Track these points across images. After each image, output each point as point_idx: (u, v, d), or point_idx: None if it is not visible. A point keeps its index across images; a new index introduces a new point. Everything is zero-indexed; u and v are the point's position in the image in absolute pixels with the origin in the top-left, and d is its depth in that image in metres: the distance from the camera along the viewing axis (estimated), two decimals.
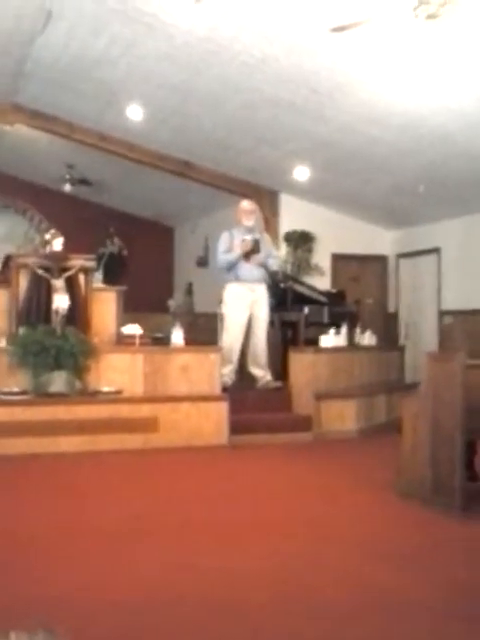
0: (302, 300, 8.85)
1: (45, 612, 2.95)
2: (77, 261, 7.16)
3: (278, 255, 8.73)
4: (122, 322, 7.47)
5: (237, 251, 7.69)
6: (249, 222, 7.87)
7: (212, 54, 6.81)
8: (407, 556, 3.80)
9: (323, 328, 8.28)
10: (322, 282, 10.30)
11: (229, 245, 7.76)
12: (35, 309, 6.90)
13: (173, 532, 4.13)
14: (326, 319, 8.74)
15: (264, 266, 7.87)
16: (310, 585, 3.33)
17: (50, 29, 6.96)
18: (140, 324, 7.49)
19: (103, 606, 3.02)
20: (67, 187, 12.25)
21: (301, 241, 10.61)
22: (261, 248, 7.79)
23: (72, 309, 6.91)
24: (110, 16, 6.53)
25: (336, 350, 8.03)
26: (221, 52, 6.75)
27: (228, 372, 7.59)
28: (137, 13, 6.36)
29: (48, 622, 2.86)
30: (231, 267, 7.73)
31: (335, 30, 5.22)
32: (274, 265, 8.06)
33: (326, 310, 8.85)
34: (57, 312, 6.80)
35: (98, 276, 7.78)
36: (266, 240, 8.14)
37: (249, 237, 7.75)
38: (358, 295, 10.28)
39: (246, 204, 8.03)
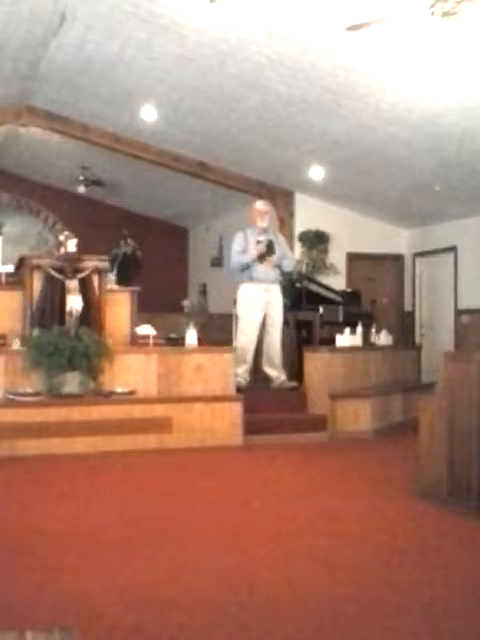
0: (317, 300, 8.83)
1: (60, 612, 2.94)
2: (91, 262, 7.16)
3: (292, 256, 8.69)
4: (136, 323, 7.46)
5: (251, 253, 7.66)
6: (263, 223, 7.84)
7: (226, 54, 6.80)
8: (423, 556, 3.76)
9: (338, 328, 8.25)
10: (337, 282, 10.26)
11: (243, 246, 7.74)
12: (49, 310, 6.90)
13: (187, 532, 4.11)
14: (341, 319, 8.71)
15: (279, 267, 7.85)
16: (325, 585, 3.30)
17: (64, 31, 6.97)
18: (154, 325, 7.48)
19: (117, 606, 3.00)
20: (81, 188, 12.26)
21: (316, 241, 10.58)
22: (276, 249, 7.77)
23: (86, 310, 6.91)
24: (124, 18, 6.53)
25: (351, 350, 7.99)
26: (235, 52, 6.73)
27: (243, 372, 7.58)
28: (150, 15, 6.35)
29: (64, 621, 2.86)
30: (245, 269, 7.71)
31: (351, 29, 5.18)
32: (288, 266, 8.04)
33: (341, 310, 8.82)
34: (71, 313, 6.80)
35: (112, 277, 7.78)
36: (280, 241, 8.11)
37: (263, 238, 7.73)
38: (374, 294, 10.23)
39: (260, 205, 8.01)
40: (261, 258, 7.67)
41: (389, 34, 5.72)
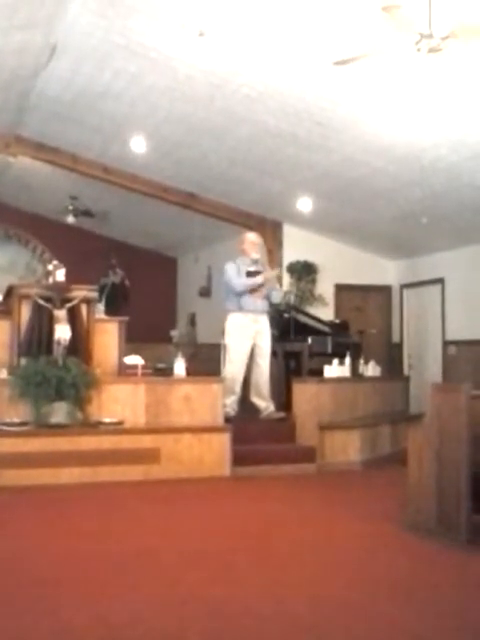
0: (305, 330, 8.83)
1: None
2: (79, 292, 7.15)
3: (280, 288, 8.73)
4: (124, 353, 7.43)
5: (260, 278, 7.68)
6: (256, 254, 7.89)
7: (215, 87, 6.87)
8: (412, 589, 3.73)
9: (327, 358, 8.24)
10: (325, 312, 10.29)
11: (236, 274, 7.75)
12: (37, 340, 6.87)
13: (175, 563, 4.06)
14: (330, 349, 8.71)
15: (267, 298, 7.87)
16: (311, 618, 3.27)
17: (54, 63, 7.05)
18: (142, 355, 7.46)
19: (101, 636, 2.96)
20: (70, 218, 12.29)
21: (304, 272, 10.64)
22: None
23: (74, 340, 6.88)
24: (114, 50, 6.60)
25: (340, 380, 7.99)
26: (224, 85, 6.81)
27: (231, 403, 7.55)
28: (140, 47, 6.43)
29: None
30: (244, 293, 7.68)
31: (338, 63, 5.27)
32: (277, 298, 8.07)
33: (330, 340, 8.82)
34: (59, 343, 6.77)
35: (100, 307, 7.76)
36: (268, 272, 8.14)
37: (253, 269, 7.76)
38: (362, 325, 10.26)
39: (253, 237, 8.07)
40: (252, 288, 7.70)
41: (376, 69, 5.80)
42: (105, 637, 3.00)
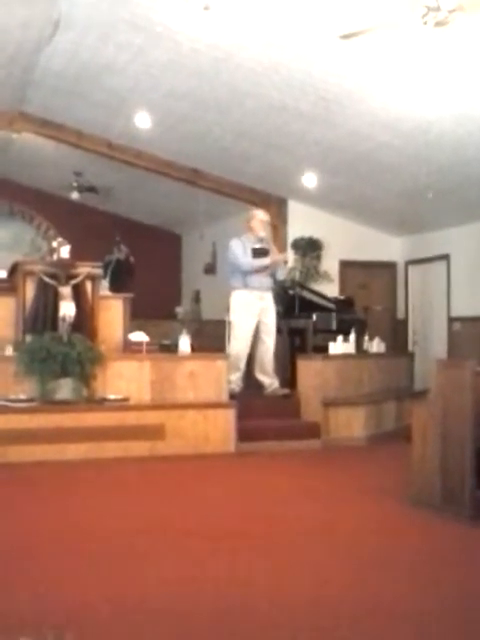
0: (310, 307, 8.82)
1: (53, 619, 2.92)
2: (84, 268, 7.15)
3: (285, 265, 8.69)
4: (129, 329, 7.45)
5: (267, 260, 7.66)
6: (263, 233, 7.86)
7: (220, 61, 6.81)
8: (416, 565, 3.75)
9: (331, 335, 8.24)
10: (330, 289, 10.26)
11: (242, 252, 7.73)
12: (42, 316, 6.88)
13: (178, 541, 4.09)
14: (334, 326, 8.70)
15: (272, 275, 7.86)
16: (316, 594, 3.29)
17: (58, 38, 6.98)
18: (147, 331, 7.47)
19: (111, 613, 2.99)
20: (74, 195, 12.25)
21: (309, 248, 10.60)
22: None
23: (79, 316, 6.89)
24: (118, 25, 6.54)
25: (345, 357, 7.99)
26: (229, 59, 6.74)
27: (235, 379, 7.57)
28: (145, 21, 6.37)
29: (57, 629, 2.85)
30: (251, 272, 7.67)
31: (344, 37, 5.21)
32: (281, 275, 8.05)
33: (334, 317, 8.81)
34: (64, 319, 6.78)
35: (105, 283, 7.76)
36: (274, 250, 8.11)
37: (259, 246, 7.74)
38: (367, 302, 10.23)
39: (262, 214, 8.04)
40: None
41: (382, 43, 5.73)
42: (113, 615, 3.03)
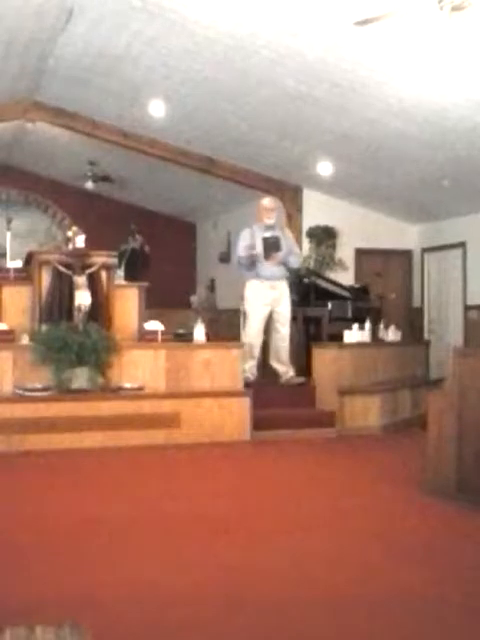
0: (325, 295, 8.81)
1: (68, 606, 2.95)
2: (99, 258, 7.17)
3: (300, 253, 8.67)
4: (144, 318, 7.46)
5: (257, 250, 7.64)
6: (270, 220, 7.83)
7: (234, 49, 6.78)
8: (431, 553, 3.76)
9: (347, 323, 8.22)
10: (346, 277, 10.24)
11: (250, 242, 7.71)
12: (57, 306, 6.91)
13: (194, 527, 4.11)
14: (350, 314, 8.68)
15: (285, 264, 7.82)
16: (332, 581, 3.30)
17: (72, 26, 6.97)
18: (162, 320, 7.48)
19: (125, 600, 3.01)
20: (89, 184, 12.26)
21: (324, 236, 10.56)
22: (282, 245, 7.75)
23: (94, 306, 6.92)
24: (132, 12, 6.51)
25: (360, 345, 7.97)
26: (243, 47, 6.71)
27: (250, 368, 7.57)
28: (159, 9, 6.34)
29: (73, 617, 2.87)
30: (248, 265, 7.67)
31: (359, 23, 5.16)
32: (295, 263, 8.01)
33: (350, 305, 8.80)
34: (79, 309, 6.81)
35: (120, 273, 7.77)
36: (287, 237, 8.08)
37: (268, 235, 7.72)
38: (382, 290, 10.20)
39: (267, 202, 7.99)
40: (267, 254, 7.64)
41: (397, 29, 5.68)
42: (122, 597, 3.05)
